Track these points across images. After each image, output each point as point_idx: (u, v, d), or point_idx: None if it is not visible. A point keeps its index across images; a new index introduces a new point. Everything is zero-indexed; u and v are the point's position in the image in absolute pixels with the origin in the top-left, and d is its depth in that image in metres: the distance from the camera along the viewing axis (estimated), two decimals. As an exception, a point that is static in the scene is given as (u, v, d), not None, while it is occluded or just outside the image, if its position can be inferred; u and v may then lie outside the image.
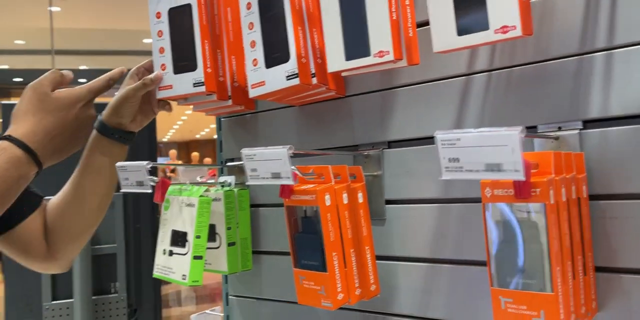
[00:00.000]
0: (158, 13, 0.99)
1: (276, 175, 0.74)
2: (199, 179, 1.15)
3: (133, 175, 0.94)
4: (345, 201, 0.80)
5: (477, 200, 0.79)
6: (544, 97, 0.73)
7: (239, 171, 1.12)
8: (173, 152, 13.27)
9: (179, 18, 0.97)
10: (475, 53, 0.80)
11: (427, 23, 0.72)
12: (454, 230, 0.81)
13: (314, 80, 0.86)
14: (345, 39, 0.77)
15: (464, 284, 0.80)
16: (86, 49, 8.78)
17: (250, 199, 1.08)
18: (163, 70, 0.99)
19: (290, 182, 0.72)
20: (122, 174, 0.95)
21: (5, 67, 9.99)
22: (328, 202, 0.77)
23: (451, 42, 0.67)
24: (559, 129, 0.73)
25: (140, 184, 0.93)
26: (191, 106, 1.07)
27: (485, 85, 0.79)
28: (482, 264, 0.79)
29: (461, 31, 0.67)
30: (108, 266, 2.55)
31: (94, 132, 0.98)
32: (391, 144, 0.90)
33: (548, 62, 0.73)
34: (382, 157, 0.90)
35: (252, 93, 0.91)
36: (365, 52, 0.75)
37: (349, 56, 0.77)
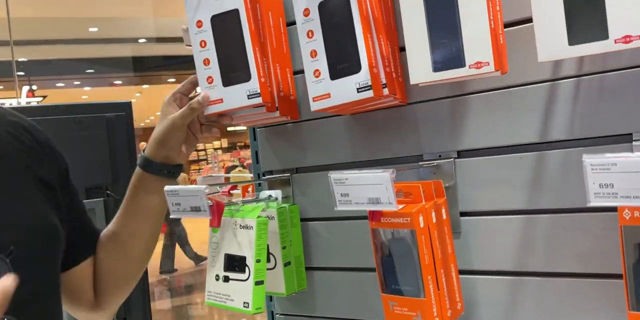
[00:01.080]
0: (199, 21, 0.90)
1: (375, 201, 0.68)
2: (219, 189, 1.08)
3: (186, 200, 0.86)
4: (434, 220, 0.76)
5: (567, 211, 0.77)
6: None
7: (282, 184, 1.05)
8: (143, 144, 12.75)
9: (225, 25, 0.89)
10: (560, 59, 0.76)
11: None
12: (541, 241, 0.79)
13: (385, 91, 0.81)
14: (432, 48, 0.72)
15: (552, 296, 0.78)
16: (25, 39, 8.26)
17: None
18: (210, 83, 0.90)
19: (393, 208, 0.67)
20: (172, 199, 0.87)
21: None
22: (422, 224, 0.73)
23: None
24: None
25: (196, 209, 0.86)
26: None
27: (574, 92, 0.76)
28: (573, 275, 0.77)
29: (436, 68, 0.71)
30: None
31: (137, 169, 0.90)
32: (460, 154, 0.86)
33: (645, 68, 0.70)
34: (454, 167, 0.86)
35: (315, 106, 0.84)
36: (459, 63, 0.70)
37: (438, 67, 0.72)
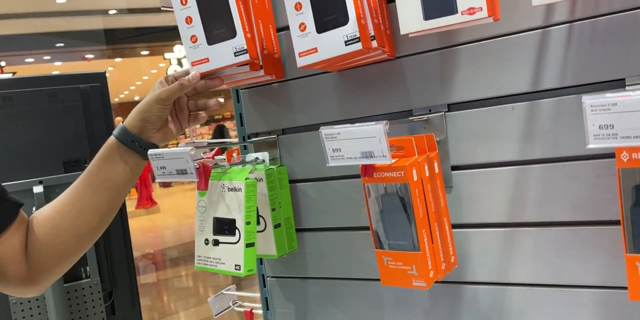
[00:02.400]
0: (179, -23, 0.86)
1: (368, 155, 0.67)
2: (202, 155, 1.05)
3: (172, 163, 0.83)
4: (427, 173, 0.75)
5: (561, 160, 0.76)
6: (635, 48, 0.69)
7: (268, 146, 1.03)
8: (119, 119, 12.50)
9: (204, -20, 0.84)
10: (551, 5, 0.74)
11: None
12: (534, 192, 0.78)
13: (374, 44, 0.78)
14: (422, -4, 0.69)
15: (547, 246, 0.78)
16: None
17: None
18: (194, 42, 0.87)
19: (387, 161, 0.66)
20: (156, 162, 0.85)
21: None
22: (415, 178, 0.72)
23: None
24: (651, 82, 0.69)
25: (182, 172, 0.83)
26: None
27: (566, 39, 0.74)
28: (568, 224, 0.77)
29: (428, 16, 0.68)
30: (77, 251, 2.39)
31: (110, 139, 0.86)
32: (451, 107, 0.85)
33: (639, 11, 0.69)
34: (445, 120, 0.84)
35: (301, 62, 0.81)
36: (451, 10, 0.67)
37: (429, 14, 0.69)
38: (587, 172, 0.73)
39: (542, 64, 0.76)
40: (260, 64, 0.92)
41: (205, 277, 5.59)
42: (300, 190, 1.01)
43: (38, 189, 2.18)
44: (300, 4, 0.80)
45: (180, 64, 10.57)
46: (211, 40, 0.87)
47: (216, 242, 0.91)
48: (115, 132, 0.86)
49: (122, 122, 0.88)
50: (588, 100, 0.53)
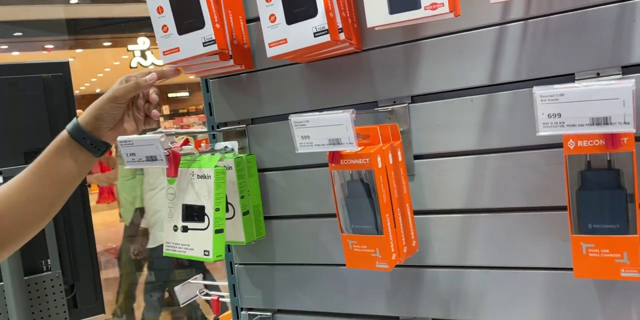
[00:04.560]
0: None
1: (335, 142, 0.70)
2: (170, 145, 1.07)
3: (142, 149, 0.85)
4: (391, 161, 0.78)
5: (515, 150, 0.81)
6: (584, 45, 0.74)
7: (237, 136, 1.05)
8: (80, 111, 12.08)
9: (174, -32, 0.86)
10: (508, 2, 0.79)
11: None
12: (490, 179, 0.83)
13: (342, 36, 0.81)
14: (388, -10, 0.72)
15: (501, 231, 0.83)
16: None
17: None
18: (165, 32, 0.88)
19: (353, 148, 0.69)
20: (126, 149, 0.86)
21: None
22: (380, 165, 0.75)
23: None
24: (598, 75, 0.75)
25: (152, 158, 0.85)
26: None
27: (521, 35, 0.79)
28: (520, 209, 0.82)
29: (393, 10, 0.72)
30: (36, 242, 2.34)
31: (63, 132, 0.86)
32: (414, 99, 0.88)
33: (588, 10, 0.74)
34: (408, 112, 0.88)
35: (271, 52, 0.84)
36: (415, 5, 0.71)
37: (394, 9, 0.73)
38: (539, 161, 0.78)
39: (499, 59, 0.80)
40: (230, 54, 0.93)
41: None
42: (268, 178, 1.03)
43: (-2, 180, 2.14)
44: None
45: (144, 56, 10.37)
46: (181, 30, 0.88)
47: (185, 229, 0.92)
48: (68, 126, 0.86)
49: (77, 117, 0.88)
50: (538, 91, 0.57)
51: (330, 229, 0.98)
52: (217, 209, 0.90)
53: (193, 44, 0.88)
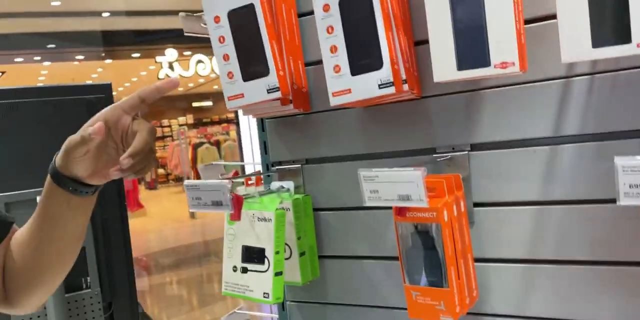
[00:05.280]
0: (216, 17, 0.89)
1: (405, 198, 0.71)
2: (221, 177, 1.09)
3: (208, 194, 0.87)
4: (455, 213, 0.79)
5: (579, 202, 0.81)
6: (653, 102, 0.75)
7: (291, 175, 1.07)
8: None
9: (242, 20, 0.88)
10: (574, 56, 0.79)
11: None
12: (553, 230, 0.83)
13: (406, 87, 0.82)
14: (457, 47, 0.73)
15: (566, 282, 0.83)
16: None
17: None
18: (230, 78, 0.90)
19: (424, 204, 0.70)
20: (192, 193, 0.88)
21: None
22: (446, 219, 0.76)
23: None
24: (666, 132, 0.75)
25: (218, 203, 0.87)
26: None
27: (587, 89, 0.79)
28: (585, 262, 0.82)
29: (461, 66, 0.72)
30: (77, 260, 2.39)
31: (48, 175, 0.74)
32: (474, 147, 0.89)
33: (658, 68, 0.74)
34: (469, 159, 0.89)
35: (335, 101, 0.85)
36: (484, 62, 0.72)
37: (462, 65, 0.74)
38: (604, 214, 0.78)
39: (563, 111, 0.81)
40: (290, 99, 0.95)
41: (196, 284, 5.58)
42: (322, 218, 1.04)
43: (41, 200, 2.19)
44: (335, 46, 0.84)
45: (171, 67, 10.54)
46: (246, 76, 0.91)
47: (244, 270, 0.94)
48: (50, 168, 0.73)
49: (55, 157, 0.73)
50: (620, 161, 0.57)
51: (385, 272, 0.98)
52: (277, 252, 0.91)
53: (257, 90, 0.90)
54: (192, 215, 9.15)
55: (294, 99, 0.96)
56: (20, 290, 0.79)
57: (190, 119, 18.30)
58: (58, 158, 0.72)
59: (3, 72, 8.37)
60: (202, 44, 11.01)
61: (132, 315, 2.55)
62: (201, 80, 13.09)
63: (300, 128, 1.05)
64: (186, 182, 0.88)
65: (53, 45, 9.35)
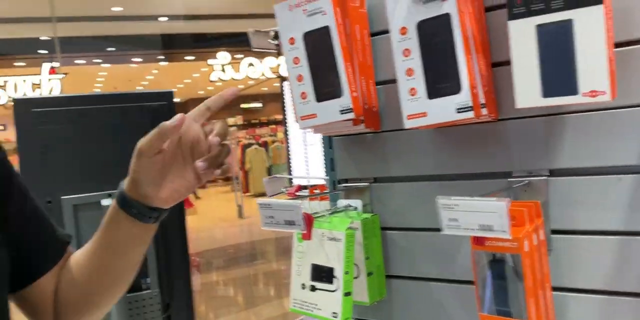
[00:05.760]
0: (291, 39, 0.91)
1: (487, 228, 0.69)
2: (284, 190, 1.09)
3: (280, 213, 0.88)
4: (535, 242, 0.77)
5: (667, 235, 0.77)
6: None
7: (358, 193, 1.07)
8: None
9: (316, 41, 0.89)
10: (666, 82, 0.76)
11: None
12: (637, 262, 0.80)
13: (484, 111, 0.81)
14: (543, 73, 0.72)
15: (647, 316, 0.80)
16: (47, 17, 8.25)
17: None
18: (304, 99, 0.91)
19: (506, 235, 0.68)
20: (264, 211, 0.89)
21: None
22: (527, 248, 0.74)
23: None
24: None
25: (290, 223, 0.88)
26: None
27: (680, 117, 0.75)
28: (670, 297, 0.78)
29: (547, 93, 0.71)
30: (137, 262, 2.47)
31: (113, 201, 0.73)
32: (553, 172, 0.86)
33: None
34: (547, 185, 0.86)
35: (409, 124, 0.85)
36: (572, 90, 0.70)
37: (548, 92, 0.72)
38: (699, 251, 0.75)
39: (653, 139, 0.77)
40: (362, 119, 0.96)
41: (244, 285, 5.66)
42: (390, 238, 1.04)
43: (106, 202, 2.28)
44: (412, 70, 0.84)
45: (223, 70, 10.74)
46: (319, 97, 0.91)
47: (313, 288, 0.95)
48: (117, 192, 0.71)
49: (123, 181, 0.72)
50: None
51: (454, 295, 0.97)
52: (347, 272, 0.91)
53: (330, 111, 0.91)
54: (240, 214, 9.31)
55: (365, 119, 0.96)
56: (70, 313, 0.78)
57: (239, 120, 18.59)
58: (126, 179, 0.70)
59: (66, 74, 8.74)
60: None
61: (189, 316, 2.62)
62: (251, 82, 13.30)
63: (369, 146, 1.05)
64: (260, 200, 0.90)
65: (113, 49, 9.72)
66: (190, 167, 0.70)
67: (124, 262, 0.76)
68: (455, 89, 0.80)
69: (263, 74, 10.94)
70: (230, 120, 18.43)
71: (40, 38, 8.85)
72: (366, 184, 1.05)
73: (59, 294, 0.78)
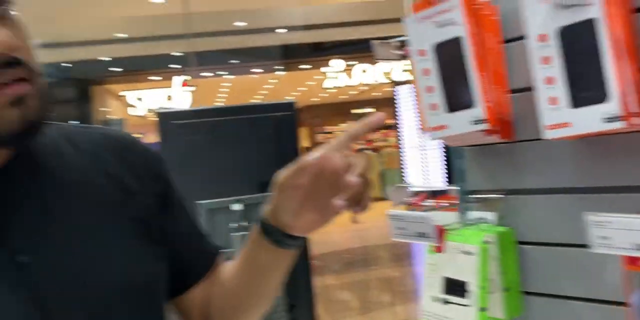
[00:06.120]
0: (421, 51, 0.91)
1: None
2: (407, 200, 1.08)
3: (412, 225, 0.88)
4: (700, 263, 0.70)
5: None
6: None
7: (488, 205, 1.04)
8: None
9: (448, 52, 0.89)
10: None
11: None
12: None
13: (637, 120, 0.75)
14: None
15: None
16: (178, 34, 8.98)
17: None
18: (434, 110, 0.91)
19: (667, 256, 0.63)
20: (395, 222, 0.90)
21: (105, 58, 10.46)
22: (691, 270, 0.68)
23: None
24: None
25: (422, 235, 0.88)
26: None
27: None
28: None
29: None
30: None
31: (256, 224, 0.75)
32: None
33: None
34: None
35: (551, 134, 0.81)
36: None
37: None
38: None
39: None
40: (495, 129, 0.93)
41: (359, 289, 5.70)
42: (527, 253, 1.00)
43: (236, 207, 2.43)
44: (551, 78, 0.80)
45: (336, 77, 10.95)
46: (451, 108, 0.91)
47: (445, 301, 0.94)
48: (257, 218, 0.73)
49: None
50: None
51: (599, 316, 0.90)
52: (482, 287, 0.89)
53: (462, 122, 0.90)
54: (354, 219, 9.39)
55: (499, 129, 0.93)
56: None
57: (350, 125, 18.72)
58: (266, 207, 0.71)
59: (195, 86, 9.43)
60: (367, 54, 11.26)
61: (311, 318, 2.70)
62: (362, 88, 13.41)
63: (502, 157, 1.02)
64: (391, 211, 0.91)
65: (236, 61, 10.34)
66: (329, 199, 0.66)
67: (265, 283, 0.78)
68: (602, 97, 0.75)
69: (376, 80, 10.99)
70: (343, 126, 18.69)
71: (172, 53, 9.64)
72: (499, 195, 1.02)
73: (209, 305, 0.81)
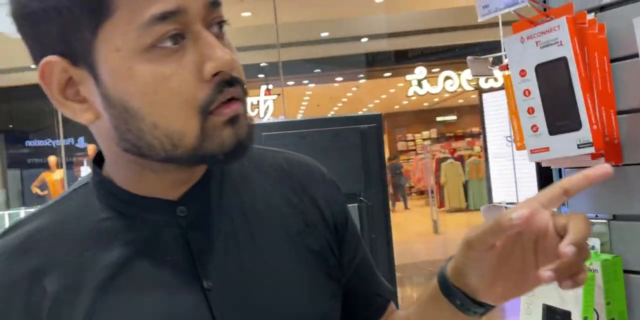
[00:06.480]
0: (522, 71, 0.89)
1: None
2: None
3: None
4: None
5: None
6: None
7: (595, 231, 0.99)
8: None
9: (551, 73, 0.86)
10: None
11: None
12: None
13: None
14: None
15: None
16: (263, 44, 9.27)
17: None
18: (535, 131, 0.89)
19: None
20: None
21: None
22: None
23: None
24: None
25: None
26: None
27: None
28: None
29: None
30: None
31: (435, 281, 0.64)
32: None
33: None
34: None
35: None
36: None
37: None
38: None
39: None
40: (602, 153, 0.89)
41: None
42: (635, 282, 0.94)
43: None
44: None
45: (420, 85, 10.80)
46: (553, 130, 0.88)
47: (545, 330, 0.91)
48: (438, 274, 0.63)
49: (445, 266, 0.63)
50: None
51: None
52: (585, 318, 0.86)
53: (566, 144, 0.87)
54: (435, 230, 9.19)
55: (605, 152, 0.89)
56: None
57: (433, 133, 18.39)
58: (449, 264, 0.61)
59: (278, 95, 9.68)
60: (451, 61, 11.10)
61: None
62: (446, 95, 13.13)
63: (608, 181, 0.96)
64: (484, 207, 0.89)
65: (319, 70, 10.51)
66: (529, 265, 0.56)
67: None
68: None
69: (460, 86, 10.73)
70: (425, 134, 18.37)
71: (260, 64, 9.97)
72: (604, 220, 0.97)
73: None
